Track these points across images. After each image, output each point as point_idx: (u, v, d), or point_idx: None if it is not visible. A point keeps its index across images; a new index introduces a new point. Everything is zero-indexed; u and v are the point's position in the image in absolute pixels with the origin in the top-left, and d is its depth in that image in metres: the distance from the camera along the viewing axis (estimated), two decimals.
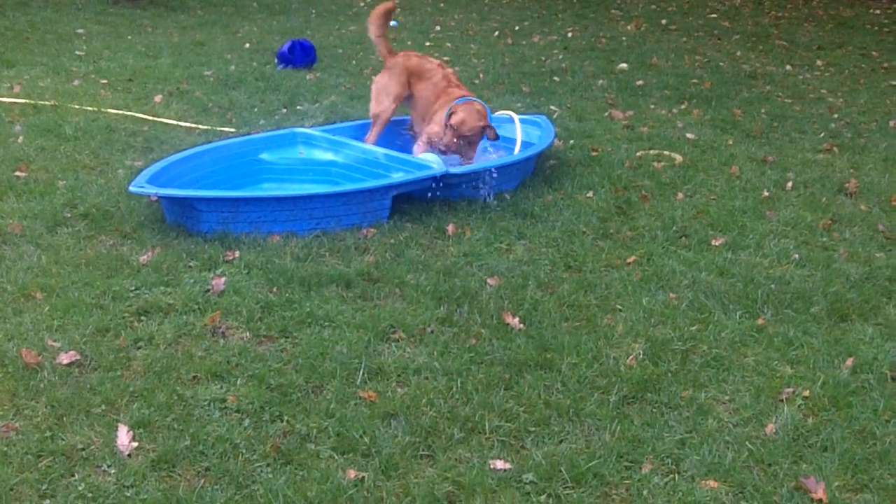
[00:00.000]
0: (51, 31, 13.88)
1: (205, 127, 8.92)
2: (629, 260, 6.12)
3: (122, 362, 4.77)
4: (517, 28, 15.02)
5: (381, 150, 7.21)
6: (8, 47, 12.49)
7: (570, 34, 14.53)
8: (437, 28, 14.47)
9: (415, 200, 6.92)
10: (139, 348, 4.93)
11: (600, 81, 11.20)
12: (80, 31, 13.85)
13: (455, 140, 7.24)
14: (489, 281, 5.75)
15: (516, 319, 5.24)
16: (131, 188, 6.26)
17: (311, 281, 5.64)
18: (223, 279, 5.60)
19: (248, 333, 5.10)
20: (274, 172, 7.48)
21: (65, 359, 4.75)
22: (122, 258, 5.92)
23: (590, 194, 7.32)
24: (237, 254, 6.00)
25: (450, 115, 7.23)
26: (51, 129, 8.65)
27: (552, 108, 10.02)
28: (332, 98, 10.11)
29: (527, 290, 5.63)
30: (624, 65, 12.15)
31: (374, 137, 7.80)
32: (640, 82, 11.19)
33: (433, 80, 7.71)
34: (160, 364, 4.73)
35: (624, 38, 14.19)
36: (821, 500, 3.79)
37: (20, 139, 8.34)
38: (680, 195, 7.36)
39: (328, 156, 7.52)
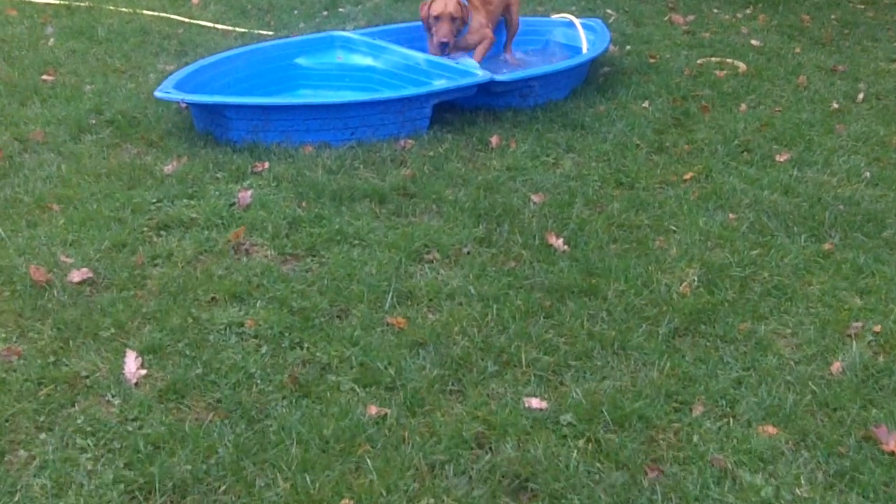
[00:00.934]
0: None
1: (242, 30, 8.52)
2: (686, 176, 5.68)
3: (136, 281, 4.45)
4: None
5: (421, 56, 6.77)
6: None
7: None
8: None
9: (457, 109, 6.50)
10: (156, 266, 4.62)
11: None
12: None
13: (437, 30, 6.92)
14: (533, 198, 5.35)
15: (560, 240, 4.84)
16: (157, 94, 5.91)
17: (342, 195, 5.27)
18: (250, 192, 5.26)
19: (272, 251, 4.76)
20: (310, 78, 7.08)
21: (76, 276, 4.45)
22: (146, 168, 5.59)
23: (645, 104, 6.84)
24: (266, 165, 5.64)
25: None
26: (83, 31, 8.31)
27: (608, 11, 9.48)
28: (376, 0, 9.62)
29: (573, 208, 5.23)
30: None
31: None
32: None
33: None
34: (176, 284, 4.41)
35: None
36: (893, 453, 3.38)
37: (51, 41, 8.01)
38: (743, 106, 6.86)
39: (367, 61, 7.10)
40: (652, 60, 7.86)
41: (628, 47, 8.21)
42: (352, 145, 5.94)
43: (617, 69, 7.60)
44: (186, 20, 8.81)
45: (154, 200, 5.22)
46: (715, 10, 9.59)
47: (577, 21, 7.74)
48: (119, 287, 4.40)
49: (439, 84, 6.45)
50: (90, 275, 4.46)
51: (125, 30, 8.41)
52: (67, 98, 6.67)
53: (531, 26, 7.93)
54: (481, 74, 6.35)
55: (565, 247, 4.82)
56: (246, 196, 5.22)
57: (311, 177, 5.49)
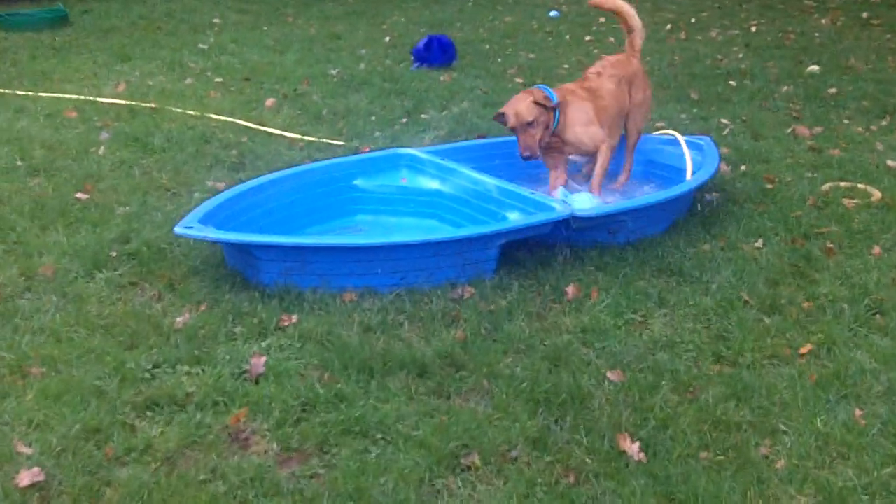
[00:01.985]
0: (187, 20, 13.06)
1: (311, 139, 7.73)
2: (802, 350, 4.59)
3: (93, 490, 3.57)
4: (693, 20, 13.35)
5: (493, 182, 5.83)
6: (133, 39, 11.68)
7: (753, 28, 12.76)
8: (601, 20, 12.90)
9: (532, 246, 5.54)
10: (125, 464, 3.74)
11: (785, 88, 9.50)
12: (216, 20, 12.90)
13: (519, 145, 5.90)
14: (609, 375, 4.33)
15: (636, 446, 3.82)
16: (177, 230, 5.07)
17: (374, 365, 4.34)
18: (264, 358, 4.35)
19: (275, 444, 3.85)
20: (369, 202, 6.22)
21: (25, 478, 3.62)
22: (154, 320, 4.75)
23: (758, 244, 5.77)
24: (294, 318, 4.76)
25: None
26: (139, 138, 7.64)
27: (723, 120, 8.43)
28: (464, 104, 8.78)
29: (658, 393, 4.19)
30: (815, 67, 10.38)
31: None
32: (832, 90, 9.44)
33: None
34: (141, 496, 3.48)
35: (817, 35, 12.33)
36: None
37: (101, 150, 7.31)
38: (877, 249, 5.73)
39: (434, 184, 6.22)
40: (769, 185, 6.77)
41: (743, 167, 7.14)
42: (400, 293, 5.03)
43: (727, 196, 6.54)
44: (254, 126, 8.04)
45: (150, 366, 4.37)
46: (846, 121, 8.45)
47: (681, 139, 6.72)
48: (71, 497, 3.50)
49: (511, 219, 5.51)
50: (41, 478, 3.61)
51: (183, 137, 7.69)
52: (95, 222, 5.91)
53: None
54: (559, 209, 5.37)
55: (641, 454, 3.78)
56: (259, 363, 4.32)
57: (342, 337, 4.58)
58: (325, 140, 7.74)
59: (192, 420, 3.99)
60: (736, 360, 4.54)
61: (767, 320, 4.91)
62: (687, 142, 6.70)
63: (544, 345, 4.63)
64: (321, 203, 6.10)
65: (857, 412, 4.09)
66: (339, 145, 7.63)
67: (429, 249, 5.09)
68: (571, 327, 4.80)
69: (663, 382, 4.30)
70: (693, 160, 6.52)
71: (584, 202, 5.80)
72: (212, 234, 5.01)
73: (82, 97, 8.82)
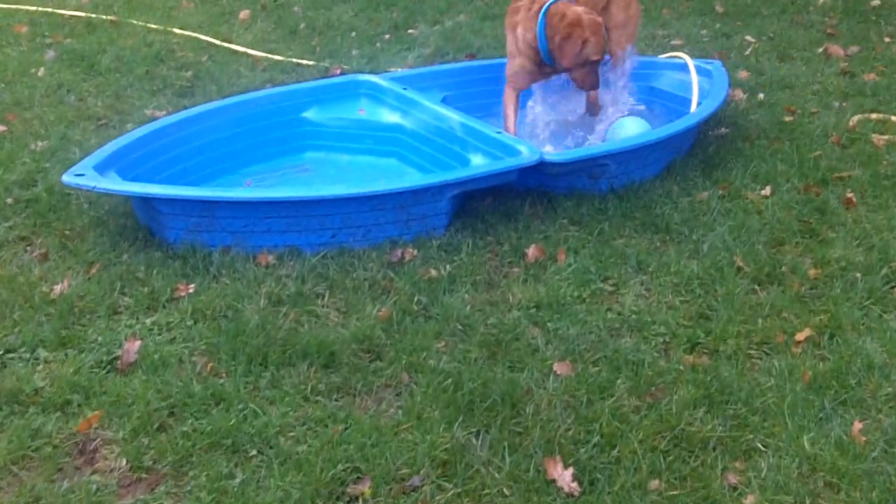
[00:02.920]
0: None
1: (277, 58, 6.87)
2: (799, 336, 3.76)
3: None
4: None
5: (457, 117, 4.97)
6: None
7: None
8: None
9: (502, 192, 4.71)
10: None
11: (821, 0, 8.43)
12: None
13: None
14: (556, 368, 3.55)
15: (568, 473, 3.03)
16: (64, 178, 4.30)
17: (271, 353, 3.59)
18: (138, 343, 3.58)
19: (124, 461, 3.09)
20: (319, 137, 5.40)
21: None
22: (30, 287, 4.03)
23: (766, 191, 4.90)
24: (192, 287, 3.98)
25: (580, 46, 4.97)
26: (86, 58, 6.86)
27: (748, 37, 7.47)
28: (460, 17, 7.86)
29: (612, 395, 3.39)
30: None
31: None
32: (875, 2, 8.36)
33: None
34: None
35: None
36: None
37: (41, 71, 6.51)
38: None
39: (394, 117, 5.37)
40: (789, 118, 5.84)
41: (761, 95, 6.20)
42: (327, 254, 4.24)
43: (738, 131, 5.64)
44: (217, 42, 7.19)
45: (2, 351, 3.59)
46: (887, 40, 7.42)
47: (690, 63, 5.77)
48: None
49: (472, 163, 4.67)
50: None
51: (136, 57, 6.90)
52: (1, 161, 5.12)
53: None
54: (524, 154, 4.52)
55: (574, 484, 3.00)
56: (132, 349, 3.59)
57: (243, 314, 3.79)
58: (293, 60, 6.88)
59: (35, 423, 3.26)
60: (716, 348, 3.71)
61: (762, 294, 4.07)
62: (696, 67, 5.75)
63: (486, 324, 3.83)
64: (263, 138, 5.33)
65: (857, 425, 3.27)
66: (309, 65, 6.78)
67: (364, 204, 4.28)
68: (524, 300, 3.99)
69: (620, 381, 3.49)
70: (701, 88, 5.58)
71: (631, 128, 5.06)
72: (103, 184, 4.21)
73: (40, 8, 7.99)
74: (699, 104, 5.42)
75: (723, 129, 5.68)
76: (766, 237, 4.48)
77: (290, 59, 6.88)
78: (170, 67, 6.72)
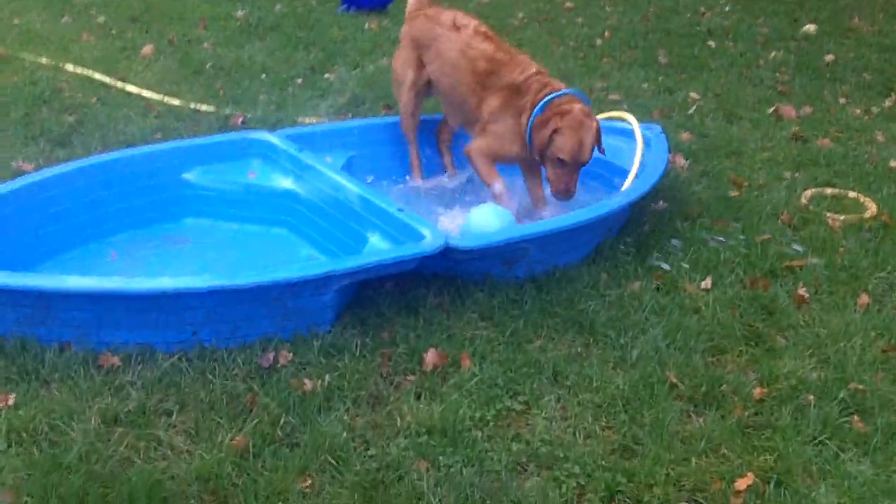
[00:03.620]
0: None
1: (175, 102, 6.16)
2: (739, 483, 3.12)
3: None
4: None
5: (356, 189, 4.30)
6: None
7: None
8: None
9: (403, 279, 4.06)
10: None
11: (773, 53, 7.93)
12: None
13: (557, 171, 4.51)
14: None
15: None
16: None
17: (91, 495, 2.89)
18: None
19: None
20: (203, 203, 4.68)
21: None
22: None
23: (706, 283, 4.28)
24: (11, 399, 3.27)
25: (549, 135, 4.42)
26: None
27: (692, 94, 6.86)
28: (383, 61, 7.19)
29: None
30: (811, 26, 8.79)
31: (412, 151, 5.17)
32: (829, 56, 7.84)
33: (455, 47, 4.73)
34: None
35: None
36: None
37: None
38: (864, 297, 4.25)
39: (287, 182, 4.69)
40: (734, 192, 5.25)
41: (704, 165, 5.57)
42: (185, 356, 3.54)
43: (677, 205, 5.04)
44: (110, 82, 6.47)
45: None
46: (842, 100, 6.89)
47: (637, 127, 5.15)
48: None
49: (369, 243, 4.01)
50: None
51: (20, 95, 6.19)
52: None
53: None
54: (428, 238, 3.84)
55: None
56: None
57: (65, 437, 3.08)
58: (191, 105, 6.17)
59: None
60: (639, 497, 3.05)
61: (698, 420, 3.43)
62: (641, 131, 5.14)
63: (365, 457, 3.16)
64: (136, 203, 4.62)
65: None
66: (208, 112, 6.08)
67: (232, 297, 3.57)
68: (414, 424, 3.32)
69: None
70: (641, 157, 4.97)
71: (489, 218, 4.32)
72: None
73: None
74: (637, 176, 4.79)
75: (661, 202, 5.06)
76: (704, 343, 3.85)
77: (187, 105, 6.15)
78: (52, 110, 6.01)
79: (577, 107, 4.45)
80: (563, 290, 4.19)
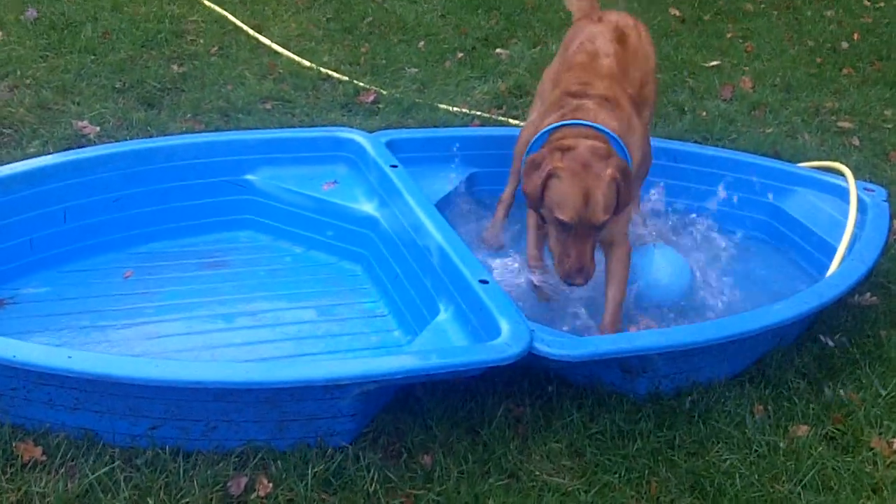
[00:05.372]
0: None
1: (306, 63, 5.33)
2: None
3: None
4: None
5: (437, 235, 3.26)
6: None
7: None
8: None
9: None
10: None
11: None
12: None
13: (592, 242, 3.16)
14: None
15: None
16: None
17: None
18: None
19: None
20: (264, 214, 3.74)
21: None
22: None
23: None
24: None
25: (542, 182, 3.11)
26: (65, 26, 5.27)
27: None
28: None
29: None
30: None
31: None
32: None
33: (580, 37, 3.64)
34: None
35: None
36: None
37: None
38: None
39: (369, 206, 3.71)
40: None
41: None
42: (138, 456, 2.56)
43: (888, 303, 3.70)
44: (244, 27, 5.60)
45: None
46: None
47: (852, 184, 3.82)
48: None
49: (398, 352, 2.96)
50: None
51: (132, 32, 5.43)
52: None
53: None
54: (504, 337, 2.71)
55: None
56: None
57: None
58: (322, 69, 5.19)
59: None
60: None
61: None
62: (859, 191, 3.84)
63: None
64: (178, 205, 3.74)
65: None
66: (339, 82, 5.09)
67: (196, 395, 2.54)
68: None
69: None
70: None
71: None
72: None
73: None
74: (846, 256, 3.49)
75: (867, 295, 3.72)
76: None
77: (317, 69, 5.14)
78: (161, 56, 5.15)
79: (588, 143, 3.11)
80: (693, 426, 2.97)
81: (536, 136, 3.23)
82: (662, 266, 3.46)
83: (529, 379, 3.10)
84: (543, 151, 3.13)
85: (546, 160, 3.07)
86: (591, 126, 3.19)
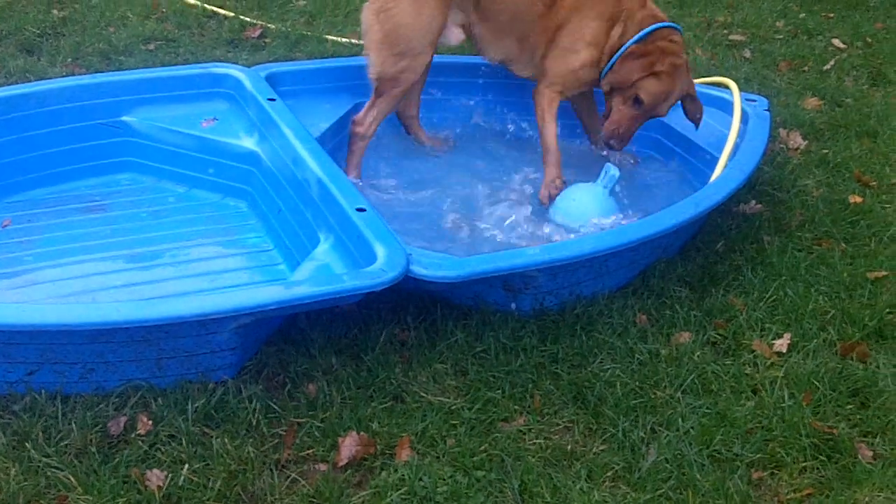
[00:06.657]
0: None
1: (190, 0, 5.08)
2: None
3: None
4: None
5: (315, 166, 3.21)
6: None
7: None
8: None
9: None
10: None
11: None
12: None
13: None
14: None
15: None
16: None
17: None
18: None
19: None
20: (145, 155, 3.67)
21: None
22: None
23: (782, 343, 3.05)
24: None
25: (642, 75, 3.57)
26: None
27: (835, 42, 5.42)
28: None
29: None
30: None
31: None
32: None
33: None
34: None
35: None
36: None
37: None
38: None
39: (249, 142, 3.67)
40: (855, 198, 3.90)
41: (824, 151, 4.24)
42: (13, 403, 2.50)
43: (774, 208, 3.79)
44: None
45: None
46: None
47: (736, 95, 3.87)
48: None
49: (284, 282, 2.94)
50: None
51: None
52: None
53: None
54: (380, 262, 2.72)
55: None
56: None
57: None
58: (207, 6, 5.09)
59: None
60: None
61: None
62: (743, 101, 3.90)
63: None
64: (56, 150, 3.68)
65: None
66: (224, 18, 4.99)
67: (71, 337, 2.52)
68: None
69: None
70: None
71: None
72: None
73: None
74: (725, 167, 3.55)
75: (752, 203, 3.78)
76: (753, 450, 2.63)
77: (201, 5, 5.05)
78: (39, 0, 4.96)
79: (684, 56, 3.65)
80: (576, 338, 3.02)
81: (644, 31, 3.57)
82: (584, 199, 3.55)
83: (415, 303, 3.11)
84: (650, 47, 3.56)
85: (652, 57, 3.54)
86: (673, 27, 3.64)
